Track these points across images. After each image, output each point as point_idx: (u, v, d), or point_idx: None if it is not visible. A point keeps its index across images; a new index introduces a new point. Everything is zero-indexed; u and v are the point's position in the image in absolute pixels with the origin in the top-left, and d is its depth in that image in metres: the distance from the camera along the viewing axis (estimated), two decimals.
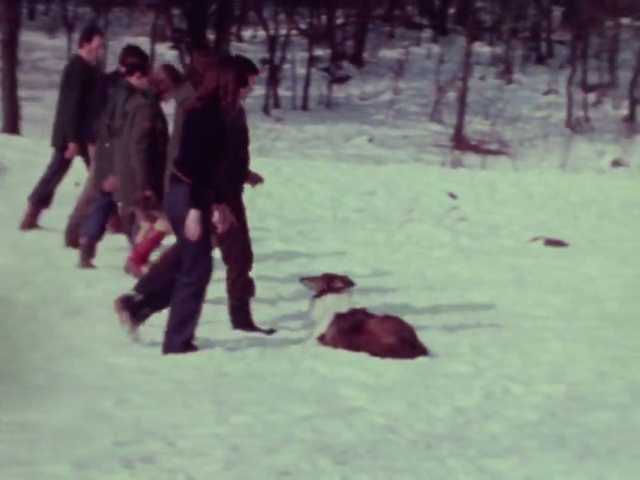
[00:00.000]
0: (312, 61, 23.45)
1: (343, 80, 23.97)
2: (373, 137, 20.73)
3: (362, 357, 7.13)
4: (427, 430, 5.68)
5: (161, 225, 8.89)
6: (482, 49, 27.12)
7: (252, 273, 7.95)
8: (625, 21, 27.14)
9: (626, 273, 10.71)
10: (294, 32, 24.66)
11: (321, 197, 14.24)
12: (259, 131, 19.00)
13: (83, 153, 10.60)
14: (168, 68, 9.11)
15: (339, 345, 7.29)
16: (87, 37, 10.74)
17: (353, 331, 7.28)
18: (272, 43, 23.35)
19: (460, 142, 21.67)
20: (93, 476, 4.85)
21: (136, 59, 9.71)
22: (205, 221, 6.78)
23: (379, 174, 15.95)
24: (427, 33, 28.13)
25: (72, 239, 10.10)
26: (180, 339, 6.94)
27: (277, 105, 22.06)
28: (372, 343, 7.19)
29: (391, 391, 6.40)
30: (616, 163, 20.44)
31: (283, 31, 24.44)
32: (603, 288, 9.98)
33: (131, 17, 26.33)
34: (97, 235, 9.59)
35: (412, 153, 19.70)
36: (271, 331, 7.76)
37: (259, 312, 8.38)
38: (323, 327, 7.41)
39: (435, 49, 26.80)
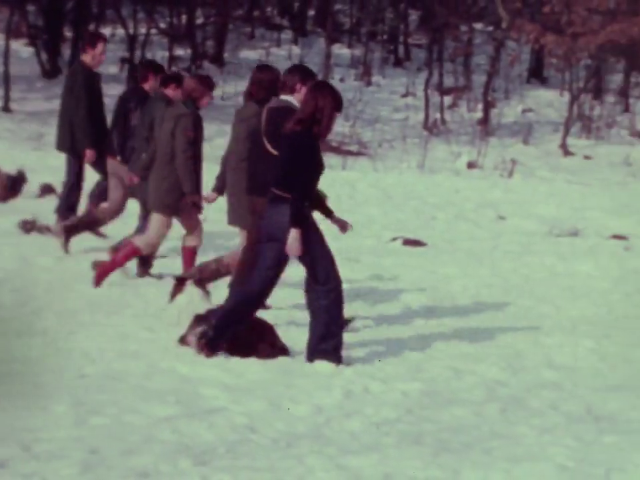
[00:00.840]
0: (172, 60, 23.28)
1: None
2: None
3: (223, 357, 7.10)
4: (287, 429, 5.69)
5: (140, 240, 9.09)
6: (341, 50, 27.36)
7: None
8: (478, 26, 27.73)
9: (480, 272, 10.94)
10: (154, 31, 24.44)
11: None
12: None
13: (100, 164, 10.73)
14: (196, 76, 9.64)
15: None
16: (91, 43, 10.90)
17: None
18: (131, 41, 23.09)
19: (321, 143, 21.74)
20: None
21: (165, 72, 10.32)
22: (311, 233, 6.97)
23: None
24: (287, 34, 28.22)
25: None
26: (329, 346, 6.91)
27: None
28: (232, 344, 7.15)
29: (251, 390, 6.40)
30: (471, 165, 20.86)
31: (143, 30, 24.20)
32: (459, 287, 10.17)
33: None
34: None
35: None
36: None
37: (120, 314, 8.29)
38: (182, 328, 7.36)
39: (296, 50, 26.91)
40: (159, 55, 23.85)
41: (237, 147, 8.29)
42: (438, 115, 24.25)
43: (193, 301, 7.43)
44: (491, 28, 27.53)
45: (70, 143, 10.90)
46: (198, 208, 9.06)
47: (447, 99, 24.76)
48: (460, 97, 25.09)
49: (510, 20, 23.73)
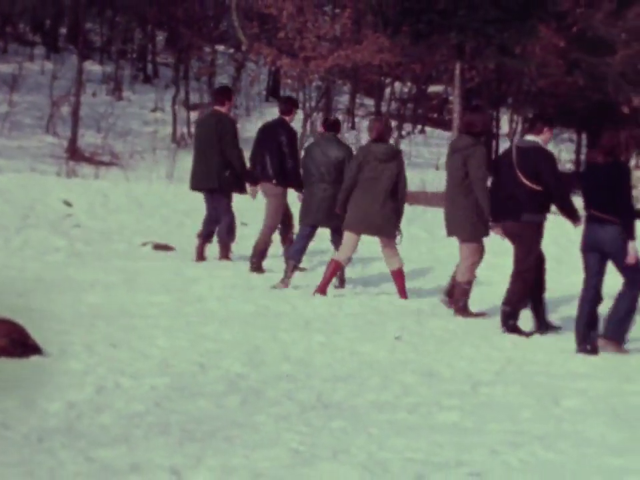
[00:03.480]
0: None
1: None
2: None
3: None
4: (40, 424, 5.54)
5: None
6: (93, 67, 26.91)
7: None
8: (220, 47, 27.91)
9: (224, 273, 11.01)
10: None
11: None
12: None
13: (242, 191, 11.66)
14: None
15: None
16: (227, 96, 11.80)
17: None
18: None
19: (74, 153, 21.37)
20: None
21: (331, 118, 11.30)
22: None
23: None
24: (40, 50, 27.48)
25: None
26: (623, 332, 7.86)
27: None
28: None
29: (4, 389, 6.18)
30: None
31: None
32: (205, 288, 10.20)
33: None
34: (299, 259, 10.55)
35: (28, 163, 19.18)
36: (530, 333, 8.58)
37: None
38: None
39: (48, 65, 26.23)
40: None
41: (453, 173, 9.25)
42: (185, 129, 24.27)
43: None
44: (232, 50, 27.76)
45: (218, 183, 11.57)
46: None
47: (193, 115, 24.78)
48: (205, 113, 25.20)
49: (249, 43, 24.04)
